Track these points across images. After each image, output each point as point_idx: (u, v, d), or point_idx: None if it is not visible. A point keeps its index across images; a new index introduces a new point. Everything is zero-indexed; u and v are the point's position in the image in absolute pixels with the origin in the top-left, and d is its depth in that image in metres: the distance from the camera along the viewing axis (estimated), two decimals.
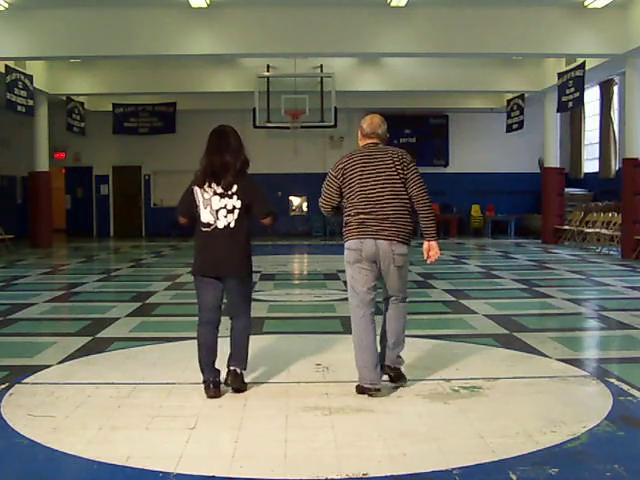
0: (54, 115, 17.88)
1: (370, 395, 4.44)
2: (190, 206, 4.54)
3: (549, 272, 11.82)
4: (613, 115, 18.29)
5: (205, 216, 4.50)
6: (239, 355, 4.58)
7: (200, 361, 4.52)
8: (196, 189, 4.52)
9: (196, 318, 4.62)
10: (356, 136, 4.84)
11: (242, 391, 4.56)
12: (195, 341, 4.56)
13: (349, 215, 4.58)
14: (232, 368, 4.56)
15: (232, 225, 4.48)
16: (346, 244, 4.57)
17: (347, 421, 4.03)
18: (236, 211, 4.48)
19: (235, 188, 4.47)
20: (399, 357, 4.67)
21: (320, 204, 4.82)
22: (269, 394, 4.56)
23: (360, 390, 4.50)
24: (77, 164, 22.09)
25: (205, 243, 4.53)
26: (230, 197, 4.47)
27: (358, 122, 4.92)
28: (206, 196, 4.49)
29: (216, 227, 4.48)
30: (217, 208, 4.47)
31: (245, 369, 4.61)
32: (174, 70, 17.24)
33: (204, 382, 4.50)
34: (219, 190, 4.47)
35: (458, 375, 4.95)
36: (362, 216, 4.50)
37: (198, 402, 4.38)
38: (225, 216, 4.47)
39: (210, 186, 4.48)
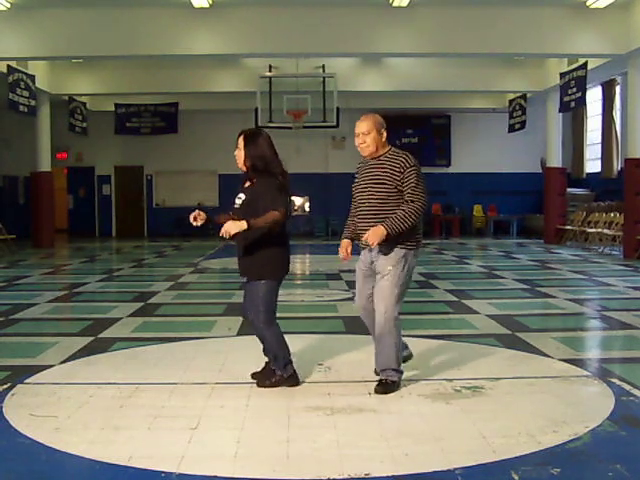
0: (56, 115, 17.90)
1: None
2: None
3: (551, 272, 11.81)
4: (615, 115, 18.29)
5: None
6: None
7: (287, 356, 4.67)
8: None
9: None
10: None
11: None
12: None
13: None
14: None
15: None
16: (415, 252, 4.57)
17: (349, 421, 4.03)
18: None
19: None
20: None
21: (423, 208, 4.48)
22: (271, 394, 4.56)
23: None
24: (79, 164, 22.12)
25: (288, 246, 4.67)
26: None
27: None
28: None
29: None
30: None
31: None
32: (176, 70, 17.25)
33: (293, 375, 4.69)
34: None
35: (460, 375, 4.95)
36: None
37: (200, 402, 4.38)
38: None
39: None
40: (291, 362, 4.70)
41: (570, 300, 8.55)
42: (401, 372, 4.62)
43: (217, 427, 3.95)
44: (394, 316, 4.50)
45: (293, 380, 4.69)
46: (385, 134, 4.60)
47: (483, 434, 3.75)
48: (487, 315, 7.45)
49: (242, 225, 4.26)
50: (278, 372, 4.69)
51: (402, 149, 4.70)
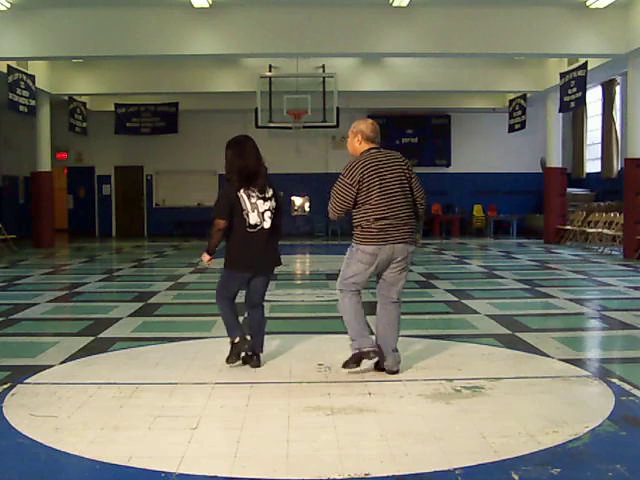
0: (56, 115, 17.91)
1: (370, 358, 4.88)
2: (233, 210, 4.91)
3: (551, 272, 11.81)
4: (615, 115, 18.28)
5: (253, 218, 4.97)
6: (261, 339, 5.25)
7: (230, 324, 5.17)
8: (241, 194, 4.92)
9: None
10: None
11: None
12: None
13: (367, 220, 4.77)
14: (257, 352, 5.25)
15: (270, 225, 5.04)
16: (362, 247, 4.82)
17: (349, 421, 4.03)
18: (272, 213, 5.06)
19: (271, 192, 5.04)
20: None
21: (333, 210, 4.88)
22: (271, 394, 4.56)
23: (359, 357, 4.91)
24: (79, 164, 22.12)
25: (250, 243, 5.00)
26: (269, 200, 5.03)
27: None
28: (252, 200, 4.96)
29: (262, 228, 5.00)
30: (263, 210, 4.99)
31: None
32: (176, 70, 17.25)
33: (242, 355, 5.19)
34: (259, 194, 4.98)
35: (460, 375, 4.96)
36: (383, 222, 4.75)
37: (200, 402, 4.38)
38: (270, 217, 5.03)
39: (248, 189, 4.92)
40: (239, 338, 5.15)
41: (570, 300, 8.55)
42: (357, 334, 4.91)
43: (217, 427, 3.96)
44: (339, 289, 4.95)
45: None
46: (359, 138, 4.90)
47: (483, 434, 3.75)
48: (487, 315, 7.45)
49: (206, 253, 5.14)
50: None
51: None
